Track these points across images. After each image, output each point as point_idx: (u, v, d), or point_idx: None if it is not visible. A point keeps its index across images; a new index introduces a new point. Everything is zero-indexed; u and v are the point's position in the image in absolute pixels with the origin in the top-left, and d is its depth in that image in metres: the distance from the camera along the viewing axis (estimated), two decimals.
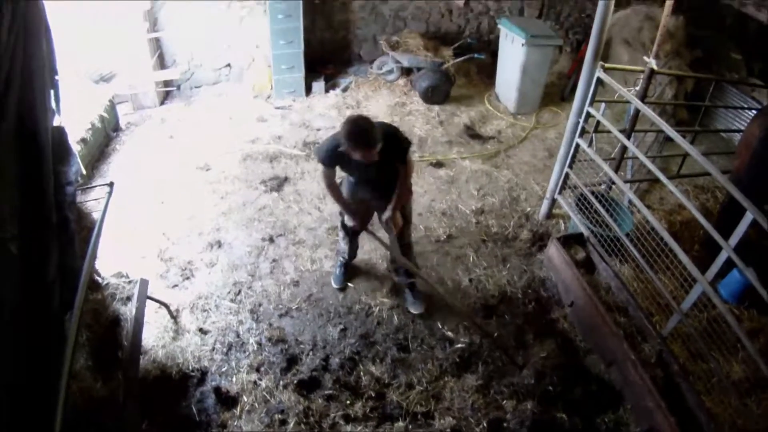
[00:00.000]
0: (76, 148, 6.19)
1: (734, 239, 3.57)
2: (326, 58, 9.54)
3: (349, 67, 9.73)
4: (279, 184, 6.74)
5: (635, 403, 4.17)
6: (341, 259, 5.27)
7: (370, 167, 4.10)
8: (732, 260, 3.59)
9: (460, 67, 9.20)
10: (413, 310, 4.99)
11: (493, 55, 9.14)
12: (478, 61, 9.39)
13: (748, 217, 3.44)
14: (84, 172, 6.04)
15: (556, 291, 5.26)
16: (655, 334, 4.34)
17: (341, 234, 5.05)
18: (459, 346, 4.70)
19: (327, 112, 8.47)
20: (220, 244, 5.77)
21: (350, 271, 5.41)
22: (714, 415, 3.76)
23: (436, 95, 8.66)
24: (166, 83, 8.86)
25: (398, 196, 4.43)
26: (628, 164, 6.70)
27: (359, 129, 3.81)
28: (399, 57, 8.94)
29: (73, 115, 6.57)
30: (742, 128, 5.86)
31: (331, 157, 4.14)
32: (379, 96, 8.92)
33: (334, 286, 5.28)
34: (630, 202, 5.31)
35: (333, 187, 4.45)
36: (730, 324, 3.67)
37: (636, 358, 4.12)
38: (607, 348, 4.49)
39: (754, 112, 6.06)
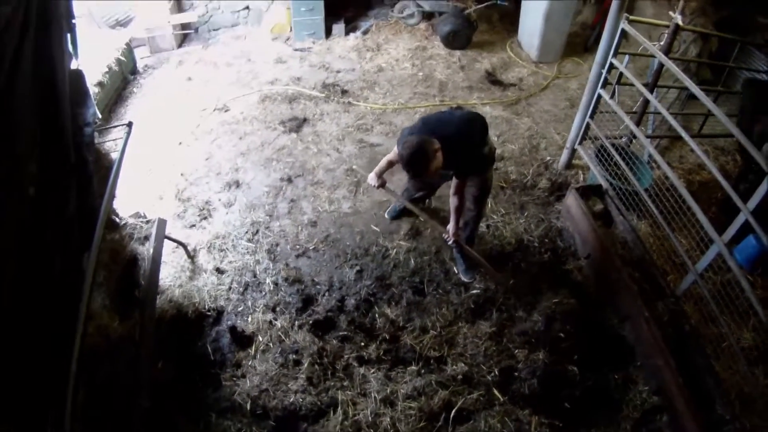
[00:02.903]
0: (93, 91, 6.17)
1: (753, 202, 3.50)
2: (346, 0, 9.38)
3: (370, 10, 9.59)
4: (298, 125, 6.71)
5: (645, 360, 4.17)
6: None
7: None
8: (748, 225, 3.54)
9: (482, 13, 9.05)
10: (465, 278, 4.89)
11: (516, 1, 8.94)
12: (501, 8, 9.22)
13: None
14: (99, 115, 6.03)
15: (572, 242, 5.22)
16: (669, 292, 4.32)
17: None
18: (474, 292, 4.71)
19: (347, 54, 8.37)
20: (238, 184, 5.77)
21: (371, 215, 5.46)
22: (722, 380, 3.76)
23: (457, 40, 8.52)
24: (184, 26, 8.78)
25: (455, 215, 4.34)
26: (649, 119, 6.58)
27: (410, 159, 3.73)
28: (420, 1, 8.80)
29: (91, 59, 6.54)
30: None
31: None
32: (400, 40, 8.79)
33: (387, 215, 5.37)
34: (650, 157, 5.24)
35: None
36: (744, 289, 3.61)
37: (649, 315, 4.10)
38: (621, 303, 4.47)
39: None
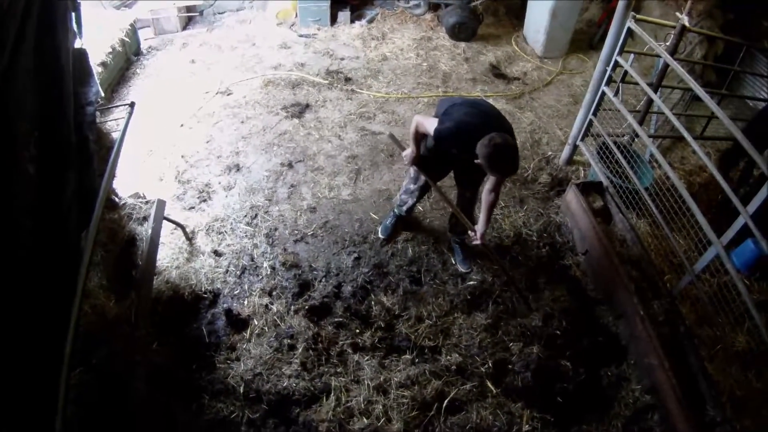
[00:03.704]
0: (96, 71, 6.16)
1: (753, 206, 3.51)
2: None
3: None
4: (300, 110, 6.70)
5: (639, 358, 4.17)
6: (396, 211, 5.00)
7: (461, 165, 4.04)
8: (747, 229, 3.56)
9: (488, 6, 9.05)
10: (462, 269, 4.86)
11: None
12: (507, 2, 9.23)
13: None
14: (102, 94, 6.01)
15: (571, 237, 5.22)
16: (666, 292, 4.33)
17: (411, 186, 4.68)
18: (471, 283, 4.72)
19: (351, 42, 8.36)
20: (238, 168, 5.77)
21: (370, 203, 5.42)
22: (715, 382, 3.76)
23: (463, 32, 8.50)
24: (189, 9, 8.74)
25: (488, 212, 4.11)
26: (652, 119, 6.60)
27: (505, 159, 3.54)
28: None
29: (95, 39, 6.54)
30: None
31: (448, 143, 3.86)
32: (405, 29, 8.76)
33: (380, 236, 5.09)
34: (652, 156, 5.25)
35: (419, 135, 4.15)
36: (740, 292, 3.64)
37: (645, 313, 4.10)
38: (617, 300, 4.48)
39: None
